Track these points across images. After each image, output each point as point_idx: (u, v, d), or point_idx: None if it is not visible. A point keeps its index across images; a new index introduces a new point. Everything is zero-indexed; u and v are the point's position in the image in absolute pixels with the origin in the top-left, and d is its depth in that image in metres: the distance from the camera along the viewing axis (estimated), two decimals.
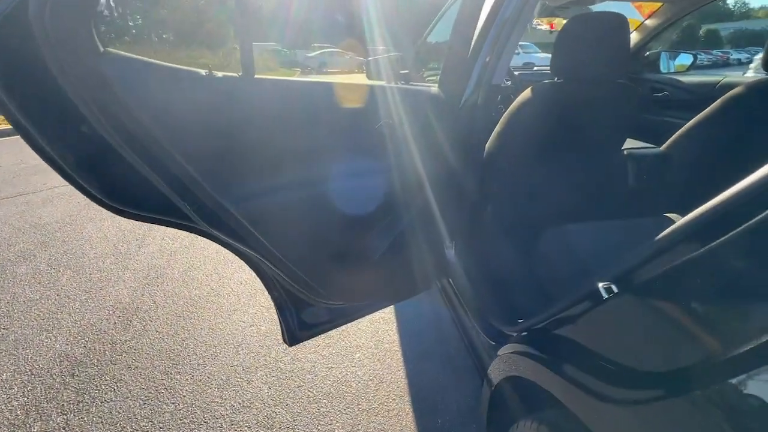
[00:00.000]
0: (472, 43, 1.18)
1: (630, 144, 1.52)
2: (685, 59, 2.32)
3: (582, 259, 1.07)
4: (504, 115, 1.32)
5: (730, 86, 1.86)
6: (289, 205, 0.93)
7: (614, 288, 0.60)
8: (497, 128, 1.35)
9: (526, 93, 1.21)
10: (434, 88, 1.15)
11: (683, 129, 1.38)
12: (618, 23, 1.11)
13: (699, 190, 1.46)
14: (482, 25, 1.19)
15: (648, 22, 2.01)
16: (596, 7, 1.97)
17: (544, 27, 2.54)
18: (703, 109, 1.97)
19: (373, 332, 1.76)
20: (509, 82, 2.02)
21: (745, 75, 7.76)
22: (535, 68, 2.50)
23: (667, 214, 1.22)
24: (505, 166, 1.36)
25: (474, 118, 1.19)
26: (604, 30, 1.10)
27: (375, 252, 1.22)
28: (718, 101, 1.28)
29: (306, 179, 0.94)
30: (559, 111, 1.21)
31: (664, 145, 1.46)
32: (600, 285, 0.62)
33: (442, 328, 1.76)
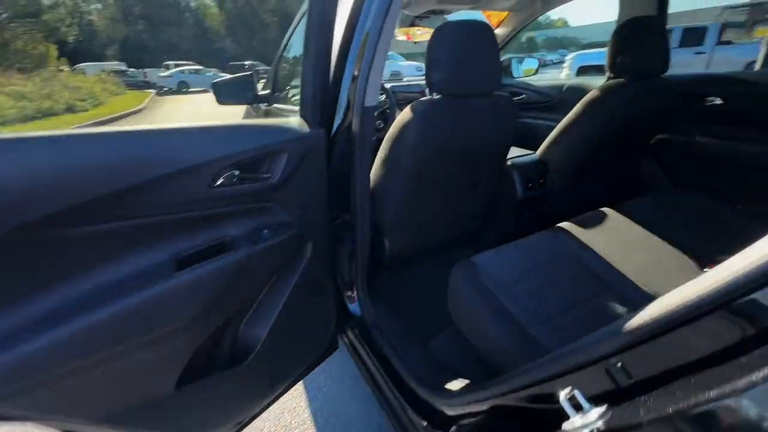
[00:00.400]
0: (333, 60, 0.96)
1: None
2: (531, 64, 2.52)
3: (496, 296, 0.94)
4: (385, 139, 1.13)
5: (575, 87, 2.05)
6: (77, 337, 0.56)
7: (580, 398, 0.43)
8: (380, 154, 1.16)
9: (406, 113, 1.05)
10: (294, 119, 0.89)
11: (554, 133, 1.41)
12: (486, 31, 1.02)
13: (576, 193, 1.52)
14: (341, 38, 0.98)
15: (498, 31, 2.11)
16: (452, 17, 1.98)
17: (402, 37, 2.50)
18: (558, 109, 2.17)
19: (277, 417, 1.41)
20: (383, 96, 1.88)
21: (562, 74, 9.53)
22: (406, 79, 2.45)
23: (560, 225, 1.20)
24: (394, 195, 1.18)
25: (352, 148, 0.98)
26: (475, 39, 1.00)
27: (253, 345, 0.90)
28: (579, 105, 1.32)
29: (99, 288, 0.58)
30: (443, 130, 1.07)
31: (539, 151, 1.48)
32: (562, 395, 0.44)
33: (361, 394, 1.50)
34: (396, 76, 11.29)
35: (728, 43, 8.46)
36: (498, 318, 0.89)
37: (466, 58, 0.99)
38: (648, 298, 0.95)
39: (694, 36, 8.14)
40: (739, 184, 1.44)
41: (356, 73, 0.93)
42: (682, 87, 1.48)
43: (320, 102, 0.90)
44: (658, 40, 1.26)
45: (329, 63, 0.92)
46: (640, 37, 1.24)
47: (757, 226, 1.28)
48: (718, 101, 1.46)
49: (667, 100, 1.39)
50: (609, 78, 1.75)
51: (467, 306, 0.99)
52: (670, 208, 1.32)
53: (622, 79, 1.29)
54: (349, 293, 1.24)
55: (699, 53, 8.02)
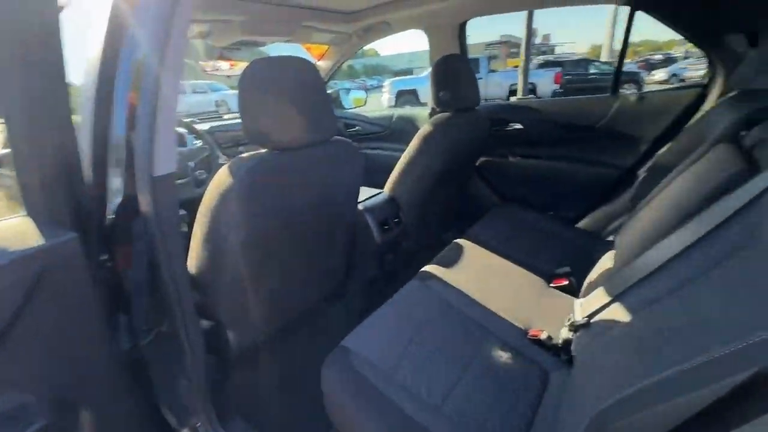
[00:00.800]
0: (87, 113, 0.63)
1: None
2: (359, 94, 2.55)
3: (379, 389, 0.77)
4: (202, 209, 0.83)
5: (403, 117, 2.12)
6: None
7: None
8: (199, 230, 0.85)
9: (223, 177, 0.78)
10: (15, 222, 0.52)
11: (398, 170, 1.36)
12: (310, 71, 0.86)
13: (428, 223, 1.51)
14: (97, 74, 0.65)
15: (320, 63, 2.02)
16: (267, 49, 1.78)
17: (225, 66, 2.17)
18: (392, 138, 2.22)
19: None
20: (197, 143, 1.53)
21: (383, 98, 10.57)
22: (227, 116, 2.12)
23: (425, 269, 1.13)
24: (229, 279, 0.89)
25: (150, 236, 0.66)
26: (297, 81, 0.82)
27: None
28: (416, 140, 1.30)
29: None
30: (277, 191, 0.85)
31: (387, 188, 1.41)
32: None
33: None
34: (222, 106, 10.32)
35: (494, 71, 10.98)
36: (385, 420, 0.72)
37: (290, 105, 0.80)
38: (522, 335, 0.95)
39: (473, 65, 10.22)
40: (546, 194, 1.70)
41: (131, 126, 0.63)
42: (491, 115, 1.66)
43: (64, 185, 0.55)
44: (472, 77, 1.36)
45: (66, 115, 0.58)
46: (456, 75, 1.31)
47: (565, 229, 1.53)
48: (519, 126, 1.70)
49: (484, 128, 1.52)
50: (432, 110, 1.87)
51: (348, 411, 0.78)
52: (504, 225, 1.43)
53: (448, 113, 1.33)
54: (194, 423, 0.88)
55: (479, 79, 10.10)
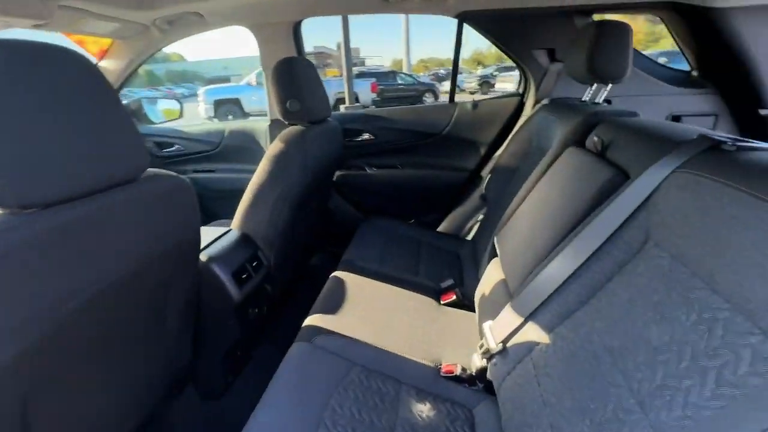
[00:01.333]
0: None
1: None
2: (170, 104, 2.05)
3: None
4: None
5: (240, 131, 1.78)
6: None
7: None
8: None
9: None
10: None
11: (248, 199, 1.07)
12: (81, 64, 0.52)
13: (291, 256, 1.26)
14: None
15: (104, 64, 1.48)
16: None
17: None
18: (226, 156, 1.83)
19: None
20: None
21: (200, 108, 9.29)
22: None
23: (309, 323, 0.90)
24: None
25: None
26: (58, 80, 0.48)
27: None
28: (267, 161, 1.05)
29: None
30: (44, 277, 0.48)
31: (236, 224, 1.10)
32: None
33: None
34: None
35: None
36: None
37: (40, 126, 0.45)
38: (435, 374, 0.84)
39: None
40: (405, 203, 1.69)
41: None
42: (342, 125, 1.53)
43: None
44: (320, 83, 1.19)
45: None
46: (304, 81, 1.12)
47: (430, 235, 1.55)
48: (369, 136, 1.63)
49: (339, 140, 1.38)
50: (274, 122, 1.61)
51: None
52: (376, 244, 1.33)
53: (300, 126, 1.12)
54: None
55: None
